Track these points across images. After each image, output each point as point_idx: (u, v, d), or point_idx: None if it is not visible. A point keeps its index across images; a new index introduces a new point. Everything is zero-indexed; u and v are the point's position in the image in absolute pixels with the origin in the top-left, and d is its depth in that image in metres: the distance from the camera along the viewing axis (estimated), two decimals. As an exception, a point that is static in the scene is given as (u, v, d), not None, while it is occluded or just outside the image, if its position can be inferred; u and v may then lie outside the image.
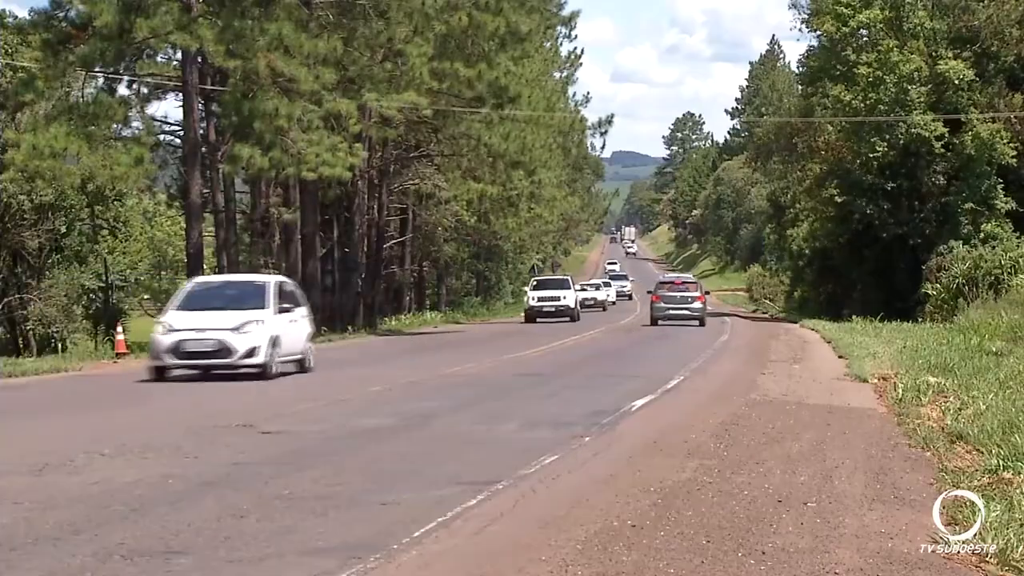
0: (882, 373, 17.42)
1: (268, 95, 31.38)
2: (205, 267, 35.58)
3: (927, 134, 43.81)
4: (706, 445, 10.55)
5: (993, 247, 38.10)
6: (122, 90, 35.89)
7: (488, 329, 38.44)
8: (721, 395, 15.29)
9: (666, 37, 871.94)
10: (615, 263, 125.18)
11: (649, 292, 44.68)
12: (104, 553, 6.59)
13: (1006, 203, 43.74)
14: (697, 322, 40.09)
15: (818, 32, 49.24)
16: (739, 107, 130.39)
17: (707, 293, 47.83)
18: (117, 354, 26.94)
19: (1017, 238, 39.60)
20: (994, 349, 20.10)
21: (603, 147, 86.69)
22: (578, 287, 61.64)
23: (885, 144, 44.74)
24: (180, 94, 35.62)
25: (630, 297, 78.35)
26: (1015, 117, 44.11)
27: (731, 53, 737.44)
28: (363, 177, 43.35)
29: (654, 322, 40.67)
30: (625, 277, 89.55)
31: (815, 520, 7.35)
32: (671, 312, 41.01)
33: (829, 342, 27.13)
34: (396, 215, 55.20)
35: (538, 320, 45.00)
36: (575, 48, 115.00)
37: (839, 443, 10.73)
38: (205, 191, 36.46)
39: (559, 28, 63.45)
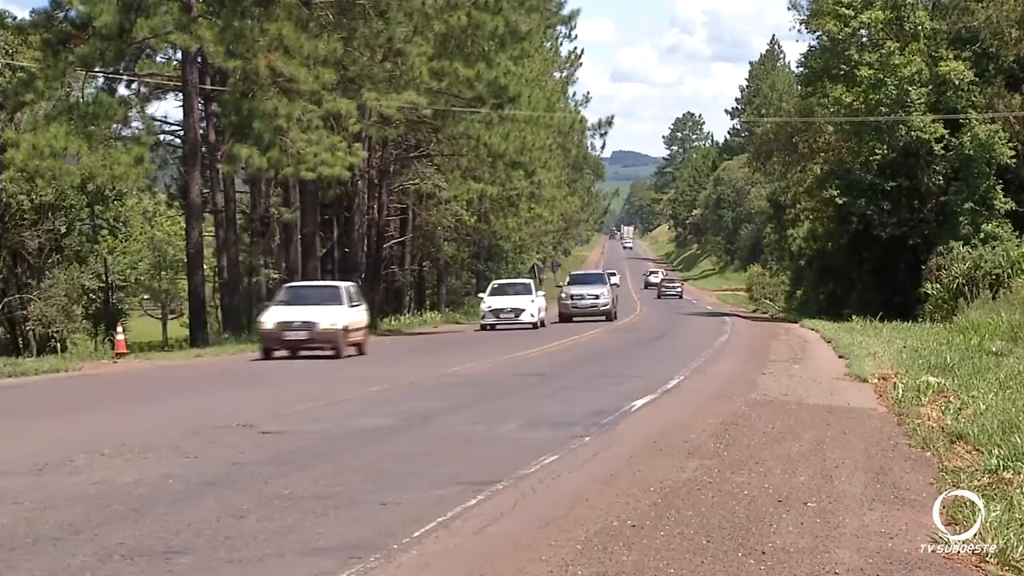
0: (882, 373, 17.42)
1: (268, 95, 31.40)
2: (205, 267, 35.64)
3: (927, 136, 43.85)
4: (706, 445, 10.55)
5: (993, 247, 38.11)
6: (122, 90, 35.97)
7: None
8: (721, 395, 15.28)
9: (666, 37, 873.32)
10: (614, 273, 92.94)
11: (643, 274, 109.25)
12: (104, 553, 6.59)
13: (1005, 203, 43.77)
14: (678, 296, 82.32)
15: (818, 33, 49.26)
16: (739, 107, 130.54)
17: (682, 286, 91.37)
18: (117, 354, 26.93)
19: (1017, 238, 39.61)
20: (994, 349, 20.08)
21: (603, 147, 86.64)
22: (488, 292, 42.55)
23: (885, 146, 44.82)
24: (180, 94, 35.65)
25: (608, 316, 44.29)
26: (1014, 117, 44.12)
27: (731, 53, 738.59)
28: (363, 177, 43.36)
29: (659, 296, 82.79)
30: (601, 280, 47.24)
31: (815, 520, 7.35)
32: (667, 293, 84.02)
33: (829, 342, 27.12)
34: (396, 215, 55.21)
35: None
36: (575, 48, 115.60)
37: (839, 443, 10.73)
38: (205, 191, 36.48)
39: (559, 28, 63.55)
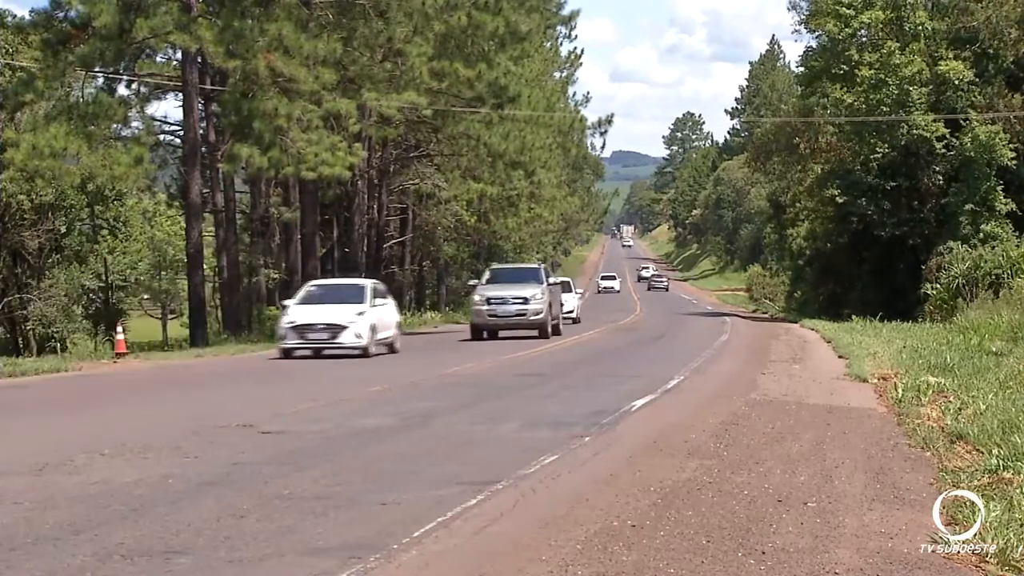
0: (882, 373, 17.42)
1: (268, 95, 31.42)
2: (205, 267, 35.66)
3: (928, 135, 43.88)
4: (706, 445, 10.54)
5: (993, 247, 38.12)
6: (122, 90, 36.03)
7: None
8: (721, 395, 15.28)
9: (666, 37, 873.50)
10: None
11: (636, 269, 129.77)
12: (104, 553, 6.59)
13: (1005, 204, 43.80)
14: (665, 289, 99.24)
15: (818, 33, 49.32)
16: (739, 107, 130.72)
17: (668, 280, 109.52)
18: (117, 354, 26.92)
19: (1017, 238, 39.63)
20: (994, 349, 20.08)
21: (603, 147, 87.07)
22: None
23: (886, 146, 44.85)
24: (180, 94, 35.68)
25: (542, 329, 30.89)
26: (1015, 117, 44.15)
27: (731, 53, 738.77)
28: (363, 177, 43.38)
29: (648, 289, 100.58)
30: (534, 277, 32.57)
31: (815, 520, 7.35)
32: (655, 286, 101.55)
33: (829, 342, 27.13)
34: (396, 215, 55.26)
35: None
36: (575, 48, 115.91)
37: (839, 443, 10.73)
38: (205, 191, 36.51)
39: (559, 28, 63.67)
